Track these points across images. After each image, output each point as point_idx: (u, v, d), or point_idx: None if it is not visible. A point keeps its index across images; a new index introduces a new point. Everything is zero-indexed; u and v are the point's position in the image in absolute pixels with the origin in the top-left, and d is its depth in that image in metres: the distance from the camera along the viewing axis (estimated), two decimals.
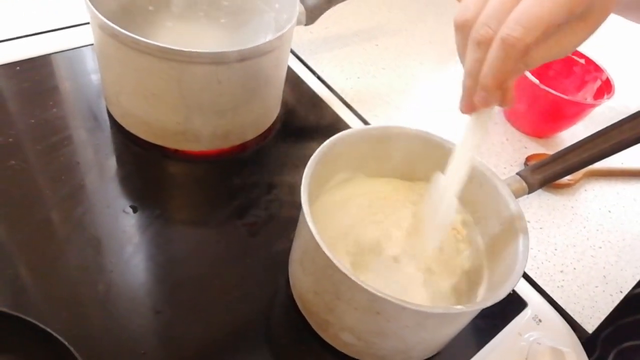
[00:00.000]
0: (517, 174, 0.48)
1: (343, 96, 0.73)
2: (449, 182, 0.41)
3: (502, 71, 0.32)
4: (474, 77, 0.35)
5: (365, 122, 0.70)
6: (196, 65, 0.49)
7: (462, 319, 0.42)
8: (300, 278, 0.46)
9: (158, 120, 0.55)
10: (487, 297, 0.43)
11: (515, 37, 0.30)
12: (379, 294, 0.36)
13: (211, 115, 0.54)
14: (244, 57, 0.50)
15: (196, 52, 0.48)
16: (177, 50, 0.47)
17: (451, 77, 0.83)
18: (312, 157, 0.44)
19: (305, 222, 0.39)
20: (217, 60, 0.49)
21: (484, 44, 0.33)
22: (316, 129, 0.67)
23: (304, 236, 0.42)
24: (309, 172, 0.43)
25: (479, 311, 0.39)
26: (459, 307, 0.37)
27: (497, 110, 0.39)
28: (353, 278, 0.36)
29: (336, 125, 0.68)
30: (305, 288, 0.46)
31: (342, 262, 0.37)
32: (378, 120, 0.71)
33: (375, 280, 0.45)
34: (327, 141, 0.46)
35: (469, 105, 0.37)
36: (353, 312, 0.40)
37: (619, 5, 0.40)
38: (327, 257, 0.37)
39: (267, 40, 0.51)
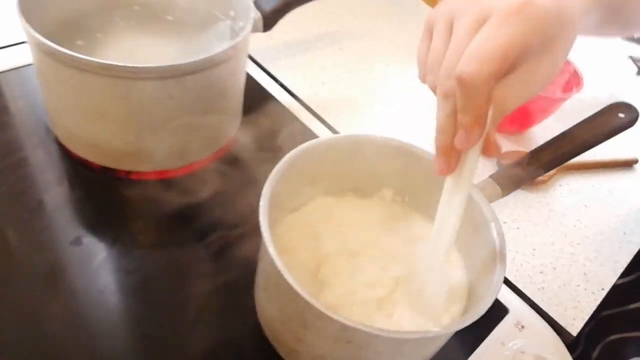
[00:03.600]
0: (490, 177, 0.46)
1: (308, 104, 0.70)
2: (435, 250, 0.39)
3: (473, 108, 0.31)
4: (447, 133, 0.34)
5: (333, 130, 0.67)
6: (144, 81, 0.46)
7: (441, 340, 0.39)
8: (265, 306, 0.43)
9: (107, 142, 0.51)
10: (467, 313, 0.40)
11: (470, 73, 0.29)
12: (348, 324, 0.33)
13: (164, 133, 0.50)
14: (196, 69, 0.47)
15: (143, 67, 0.44)
16: (121, 66, 0.44)
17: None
18: (271, 175, 0.41)
19: (265, 246, 0.36)
20: (166, 74, 0.46)
21: (451, 96, 0.32)
22: (281, 140, 0.64)
23: (265, 260, 0.39)
24: (268, 191, 0.40)
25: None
26: (435, 330, 0.34)
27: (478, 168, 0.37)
28: (318, 307, 0.33)
29: (302, 134, 0.65)
30: (271, 316, 0.43)
31: (306, 290, 0.34)
32: (346, 126, 0.68)
33: (345, 298, 0.43)
34: (287, 156, 0.43)
35: (445, 163, 0.35)
36: (323, 341, 0.37)
37: (592, 24, 0.38)
38: (290, 285, 0.34)
39: (220, 50, 0.48)
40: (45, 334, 0.42)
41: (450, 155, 0.35)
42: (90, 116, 0.49)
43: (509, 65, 0.30)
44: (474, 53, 0.29)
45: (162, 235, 0.52)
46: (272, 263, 0.35)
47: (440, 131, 0.34)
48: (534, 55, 0.31)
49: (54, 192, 0.52)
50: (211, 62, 0.48)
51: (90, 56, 0.43)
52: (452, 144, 0.34)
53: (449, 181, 0.37)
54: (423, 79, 0.37)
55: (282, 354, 0.44)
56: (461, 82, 0.30)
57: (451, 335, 0.40)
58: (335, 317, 0.33)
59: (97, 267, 0.47)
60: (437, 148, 0.35)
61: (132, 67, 0.44)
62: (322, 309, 0.33)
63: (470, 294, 0.44)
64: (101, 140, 0.51)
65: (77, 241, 0.49)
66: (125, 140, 0.50)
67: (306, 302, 0.33)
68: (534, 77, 0.31)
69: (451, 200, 0.37)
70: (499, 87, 0.31)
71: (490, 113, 0.32)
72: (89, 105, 0.48)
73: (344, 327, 0.33)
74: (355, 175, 0.49)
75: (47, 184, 0.53)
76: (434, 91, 0.35)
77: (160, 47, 0.60)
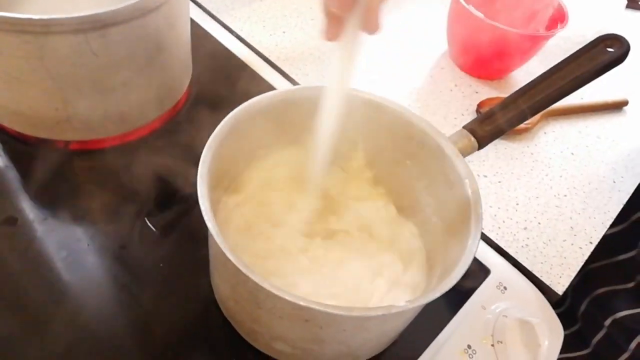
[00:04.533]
0: (464, 127, 0.41)
1: (267, 55, 0.64)
2: (321, 131, 0.37)
3: None
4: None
5: (295, 84, 0.61)
6: (58, 35, 0.39)
7: (410, 313, 0.35)
8: (219, 284, 0.39)
9: (31, 109, 0.45)
10: (437, 283, 0.36)
11: None
12: (301, 303, 0.29)
13: (95, 96, 0.44)
14: (119, 19, 0.40)
15: (53, 18, 0.37)
16: (27, 19, 0.37)
17: (392, 24, 0.74)
18: (211, 138, 0.36)
19: (206, 222, 0.31)
20: (84, 25, 0.39)
21: None
22: (238, 97, 0.58)
23: (210, 237, 0.34)
24: (208, 158, 0.34)
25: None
26: (401, 304, 0.30)
27: (365, 37, 0.33)
28: (267, 287, 0.29)
29: (261, 90, 0.59)
30: (225, 296, 0.38)
31: (252, 268, 0.29)
32: (309, 80, 0.62)
33: (302, 275, 0.38)
34: (228, 116, 0.37)
35: (331, 29, 0.32)
36: (279, 320, 0.33)
37: None
38: (233, 264, 0.29)
39: None
40: None
41: (334, 22, 0.32)
42: (6, 81, 0.42)
43: None
44: None
45: (106, 210, 0.47)
46: (214, 240, 0.30)
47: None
48: None
49: None
50: (138, 10, 0.41)
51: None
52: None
53: (337, 49, 0.34)
54: None
55: (242, 333, 0.40)
56: None
57: (421, 308, 0.36)
58: (286, 296, 0.29)
59: (30, 248, 0.42)
60: (323, 12, 0.32)
61: (41, 19, 0.37)
62: (271, 289, 0.29)
63: (445, 259, 0.39)
64: (24, 108, 0.45)
65: (7, 220, 0.43)
66: (51, 107, 0.44)
67: (254, 283, 0.29)
68: None
69: (337, 72, 0.35)
70: None
71: None
72: (2, 68, 0.41)
73: (297, 307, 0.29)
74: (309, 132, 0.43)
75: None
76: None
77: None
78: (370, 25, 0.32)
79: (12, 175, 0.48)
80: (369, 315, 0.30)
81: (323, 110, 0.36)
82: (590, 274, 0.64)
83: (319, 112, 0.36)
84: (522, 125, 0.61)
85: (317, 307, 0.29)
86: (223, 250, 0.30)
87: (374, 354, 0.40)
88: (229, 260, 0.29)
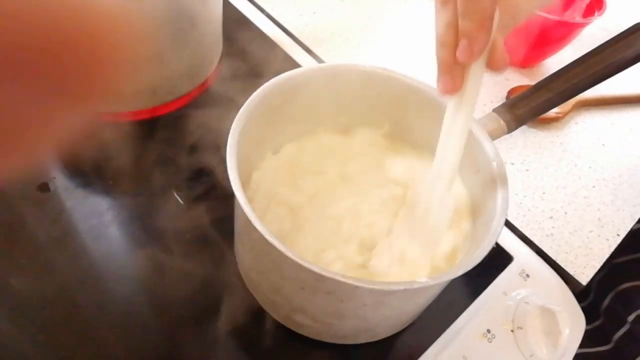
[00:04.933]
0: (494, 111, 0.41)
1: (297, 35, 0.64)
2: (438, 179, 0.35)
3: (477, 10, 0.26)
4: (449, 46, 0.29)
5: None
6: None
7: (430, 291, 0.35)
8: (243, 255, 0.40)
9: None
10: (461, 262, 0.36)
11: None
12: (324, 273, 0.29)
13: (126, 67, 0.45)
14: None
15: None
16: None
17: (421, 9, 0.73)
18: (240, 111, 0.36)
19: (234, 192, 0.32)
20: None
21: (451, 2, 0.28)
22: (267, 76, 0.58)
23: (237, 207, 0.35)
24: (237, 130, 0.35)
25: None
26: (422, 280, 0.30)
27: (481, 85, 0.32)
28: (292, 256, 0.29)
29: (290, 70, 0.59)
30: (248, 266, 0.39)
31: (279, 239, 0.30)
32: (339, 61, 0.62)
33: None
34: (257, 91, 0.38)
35: (449, 82, 0.31)
36: (300, 292, 0.34)
37: None
38: (260, 234, 0.30)
39: None
40: (12, 286, 0.39)
41: (454, 72, 0.30)
42: None
43: None
44: None
45: (136, 180, 0.48)
46: (242, 210, 0.31)
47: (441, 44, 0.30)
48: None
49: None
50: None
51: None
52: (454, 58, 0.29)
53: (451, 104, 0.33)
54: None
55: (263, 305, 0.41)
56: None
57: (444, 285, 0.36)
58: (310, 266, 0.29)
59: (63, 214, 0.44)
60: (439, 65, 0.31)
61: None
62: (296, 259, 0.29)
63: (470, 240, 0.39)
64: None
65: (45, 187, 0.45)
66: None
67: (279, 252, 0.30)
68: None
69: (454, 124, 0.33)
70: None
71: (496, 17, 0.28)
72: None
73: (321, 278, 0.29)
74: (339, 110, 0.43)
75: None
76: None
77: None
78: (498, 61, 0.30)
79: None
80: (391, 289, 0.30)
81: (436, 164, 0.35)
82: (616, 268, 0.63)
83: (433, 165, 0.35)
84: (552, 114, 0.60)
85: (339, 279, 0.29)
86: (250, 219, 0.30)
87: (392, 333, 0.40)
88: (256, 229, 0.30)
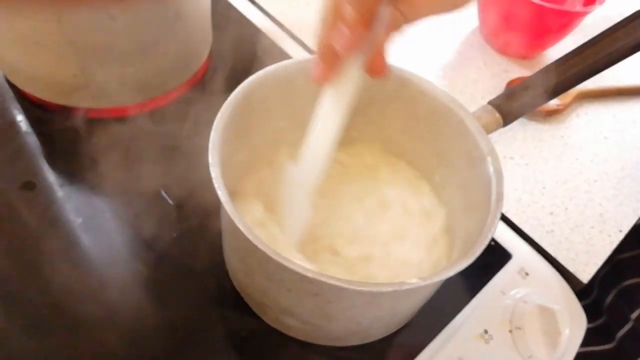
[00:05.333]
0: (489, 102, 0.39)
1: (289, 27, 0.62)
2: (303, 178, 0.33)
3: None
4: (329, 27, 0.26)
5: None
6: None
7: (423, 292, 0.34)
8: (230, 256, 0.38)
9: (49, 75, 0.45)
10: (455, 261, 0.34)
11: None
12: (309, 275, 0.28)
13: (113, 63, 0.44)
14: None
15: None
16: None
17: None
18: (225, 105, 0.35)
19: (215, 189, 0.31)
20: None
21: None
22: (258, 69, 0.57)
23: (221, 206, 0.33)
24: (220, 124, 0.34)
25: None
26: (412, 281, 0.29)
27: (361, 79, 0.30)
28: (275, 257, 0.28)
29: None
30: (236, 268, 0.38)
31: (261, 238, 0.28)
32: None
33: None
34: (244, 82, 0.36)
35: (322, 69, 0.28)
36: (287, 293, 0.33)
37: None
38: (243, 233, 0.29)
39: None
40: None
41: (330, 61, 0.28)
42: (25, 45, 0.42)
43: None
44: None
45: (123, 179, 0.47)
46: (224, 208, 0.30)
47: (322, 23, 0.27)
48: None
49: (4, 135, 0.47)
50: None
51: None
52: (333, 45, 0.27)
53: (326, 96, 0.31)
54: None
55: (252, 307, 0.39)
56: None
57: (438, 285, 0.35)
58: (294, 267, 0.28)
59: (46, 216, 0.42)
60: (317, 47, 0.28)
61: None
62: (280, 260, 0.28)
63: (465, 238, 0.38)
64: (43, 74, 0.45)
65: (24, 186, 0.44)
66: (69, 73, 0.44)
67: (263, 253, 0.28)
68: None
69: (325, 118, 0.31)
70: None
71: (385, 15, 0.26)
72: (21, 31, 0.41)
73: (306, 279, 0.28)
74: None
75: None
76: None
77: None
78: (377, 67, 0.28)
79: (32, 141, 0.48)
80: (379, 291, 0.29)
81: (304, 162, 0.33)
82: (619, 264, 0.61)
83: (300, 161, 0.34)
84: (553, 106, 0.59)
85: (325, 280, 0.28)
86: (232, 219, 0.29)
87: (385, 334, 0.39)
88: (238, 229, 0.29)
